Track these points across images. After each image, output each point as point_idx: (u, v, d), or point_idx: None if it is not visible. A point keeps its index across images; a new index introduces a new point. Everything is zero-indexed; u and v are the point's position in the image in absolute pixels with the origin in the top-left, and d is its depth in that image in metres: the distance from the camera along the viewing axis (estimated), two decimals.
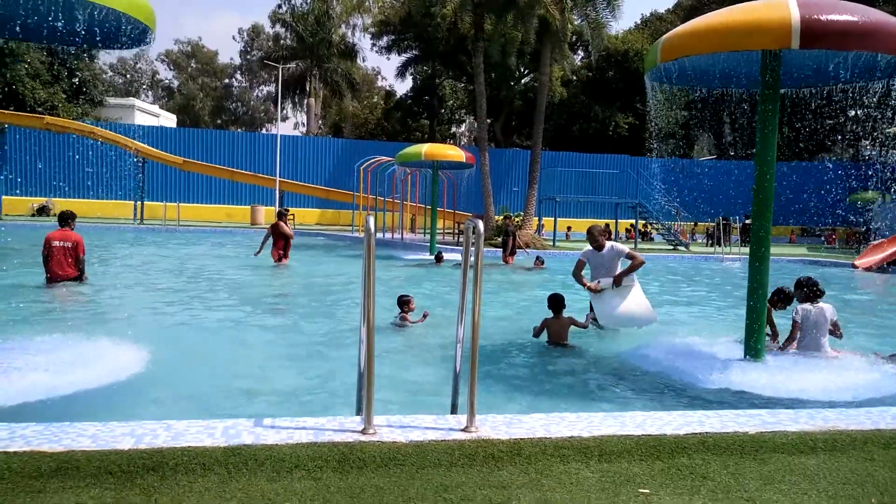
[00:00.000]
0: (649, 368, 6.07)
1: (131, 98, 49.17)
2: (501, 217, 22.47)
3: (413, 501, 2.80)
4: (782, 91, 6.33)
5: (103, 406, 4.55)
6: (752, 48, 5.34)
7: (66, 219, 9.71)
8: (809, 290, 6.25)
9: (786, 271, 15.07)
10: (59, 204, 30.49)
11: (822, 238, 33.13)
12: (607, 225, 31.06)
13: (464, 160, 19.38)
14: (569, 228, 30.49)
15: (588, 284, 7.54)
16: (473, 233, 3.77)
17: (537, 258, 16.70)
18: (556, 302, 7.21)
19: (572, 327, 7.22)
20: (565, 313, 7.24)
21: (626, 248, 7.79)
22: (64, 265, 9.48)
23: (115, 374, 5.05)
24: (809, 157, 38.37)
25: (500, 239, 18.60)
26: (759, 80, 5.87)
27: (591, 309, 7.71)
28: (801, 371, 5.67)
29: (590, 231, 7.92)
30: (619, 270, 7.56)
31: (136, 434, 3.30)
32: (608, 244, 7.76)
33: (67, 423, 3.42)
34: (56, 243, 9.43)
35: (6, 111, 28.48)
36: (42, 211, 29.75)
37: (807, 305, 6.23)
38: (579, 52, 43.68)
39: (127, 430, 3.36)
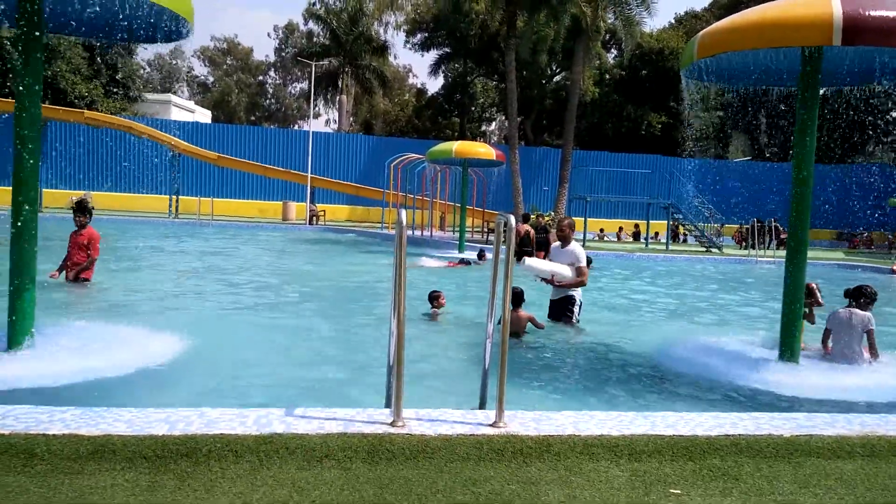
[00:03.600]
0: (681, 368, 5.99)
1: (168, 94, 50.01)
2: (534, 215, 22.37)
3: (441, 494, 2.80)
4: (822, 90, 6.20)
5: (139, 392, 4.64)
6: (791, 45, 5.23)
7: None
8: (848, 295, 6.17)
9: (823, 275, 14.77)
10: (97, 197, 31.19)
11: (860, 242, 32.37)
12: (621, 228, 30.58)
13: (494, 158, 19.33)
14: (601, 230, 30.17)
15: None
16: (505, 228, 3.76)
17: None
18: (513, 296, 7.15)
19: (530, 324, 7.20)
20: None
21: (583, 259, 7.54)
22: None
23: (151, 361, 5.14)
24: (848, 160, 37.47)
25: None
26: (799, 78, 5.75)
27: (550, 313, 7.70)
28: (838, 374, 5.55)
29: (562, 223, 7.66)
30: (569, 272, 7.45)
31: (171, 420, 3.36)
32: (573, 244, 7.59)
33: (105, 409, 3.50)
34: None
35: (48, 105, 29.17)
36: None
37: (839, 309, 6.13)
38: (613, 50, 43.28)
39: (162, 416, 3.42)
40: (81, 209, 9.06)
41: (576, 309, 7.63)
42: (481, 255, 15.99)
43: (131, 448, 3.02)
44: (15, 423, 3.22)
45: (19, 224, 4.86)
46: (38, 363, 4.71)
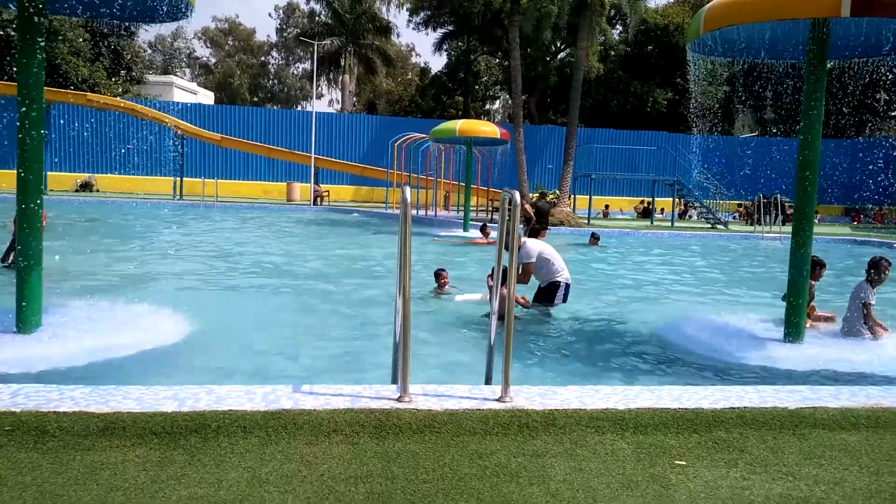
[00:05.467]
0: (686, 345, 6.01)
1: (170, 76, 49.79)
2: (537, 194, 22.32)
3: (448, 467, 2.83)
4: (830, 63, 6.13)
5: (147, 370, 4.68)
6: (799, 17, 5.17)
7: None
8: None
9: (831, 251, 14.72)
10: (101, 180, 31.23)
11: (870, 217, 32.20)
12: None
13: (498, 136, 19.25)
14: (606, 207, 30.09)
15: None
16: (509, 204, 3.76)
17: (592, 235, 16.55)
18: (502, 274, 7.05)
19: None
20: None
21: (533, 258, 7.19)
22: None
23: (159, 340, 5.19)
24: (855, 134, 37.12)
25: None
26: (806, 51, 5.68)
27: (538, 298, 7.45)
28: (843, 350, 5.56)
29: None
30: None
31: (180, 397, 3.39)
32: (524, 243, 7.25)
33: (114, 386, 3.53)
34: None
35: (51, 88, 29.07)
36: (85, 187, 30.45)
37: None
38: (618, 26, 42.81)
39: (170, 393, 3.45)
40: None
41: (560, 292, 7.36)
42: (484, 229, 15.91)
43: (141, 425, 3.06)
44: (26, 401, 3.26)
45: (25, 207, 4.88)
46: (47, 344, 4.75)
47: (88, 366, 4.53)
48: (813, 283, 6.42)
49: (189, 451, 2.87)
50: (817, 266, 6.49)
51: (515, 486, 2.69)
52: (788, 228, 6.47)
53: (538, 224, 17.38)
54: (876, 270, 6.05)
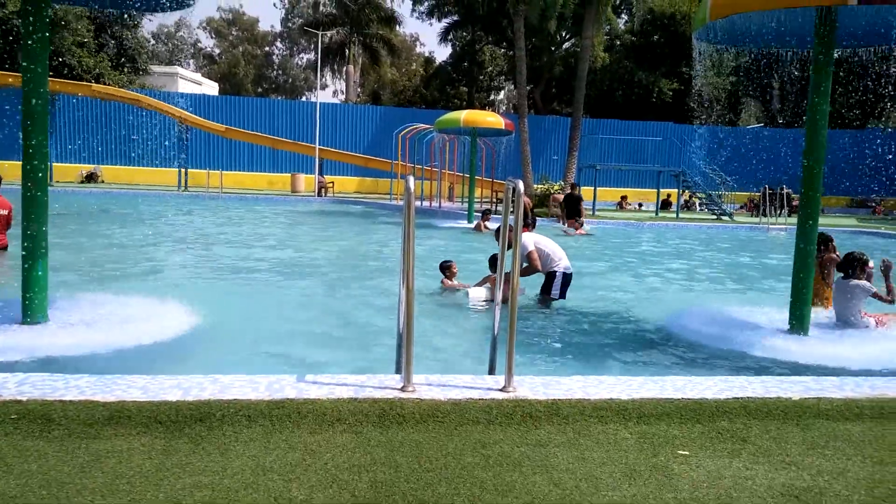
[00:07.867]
0: (690, 337, 6.00)
1: (175, 66, 49.72)
2: (566, 186, 22.19)
3: (451, 456, 2.84)
4: (837, 53, 6.08)
5: (152, 361, 4.70)
6: (806, 5, 5.12)
7: None
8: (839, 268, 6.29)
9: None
10: (106, 171, 31.26)
11: (871, 209, 32.08)
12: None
13: (503, 127, 19.20)
14: (623, 198, 29.68)
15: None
16: (514, 194, 3.75)
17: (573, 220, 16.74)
18: (492, 262, 7.17)
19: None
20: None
21: (530, 247, 7.20)
22: (2, 234, 8.42)
23: (164, 331, 5.20)
24: (861, 125, 36.85)
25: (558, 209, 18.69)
26: (813, 40, 5.64)
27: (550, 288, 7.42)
28: (848, 342, 5.55)
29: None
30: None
31: (184, 387, 3.40)
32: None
33: (118, 376, 3.55)
34: None
35: (56, 79, 29.01)
36: (90, 178, 30.50)
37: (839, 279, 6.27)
38: (623, 15, 42.57)
39: (175, 382, 3.47)
40: None
41: (557, 281, 7.27)
42: (486, 214, 16.09)
43: (146, 413, 3.07)
44: (32, 390, 3.28)
45: (30, 198, 4.88)
46: (53, 335, 4.77)
47: (94, 356, 4.55)
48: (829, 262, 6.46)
49: (194, 440, 2.89)
50: (823, 244, 6.53)
51: (519, 475, 2.70)
52: (794, 220, 6.45)
53: (568, 213, 17.40)
54: (861, 264, 6.09)
